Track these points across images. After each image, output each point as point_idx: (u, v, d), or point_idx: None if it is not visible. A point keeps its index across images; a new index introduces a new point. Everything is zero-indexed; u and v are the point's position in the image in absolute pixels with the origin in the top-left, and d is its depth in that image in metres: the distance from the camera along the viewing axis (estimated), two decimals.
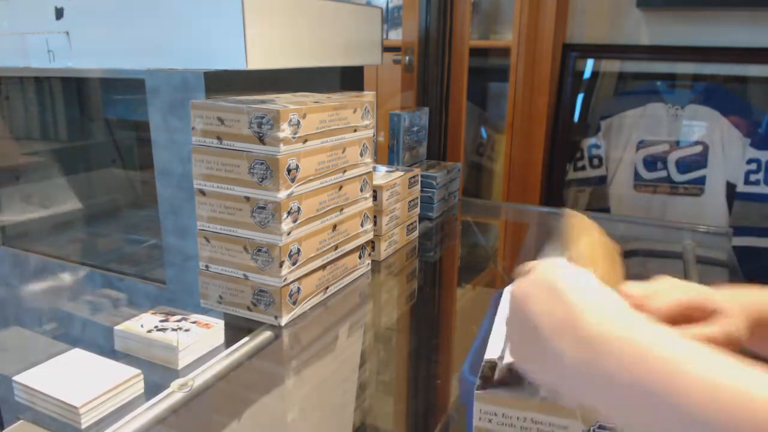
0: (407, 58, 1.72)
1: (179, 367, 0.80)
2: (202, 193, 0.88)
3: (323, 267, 0.96)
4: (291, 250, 0.86)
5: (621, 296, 0.44)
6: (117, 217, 1.25)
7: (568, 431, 0.54)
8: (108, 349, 0.85)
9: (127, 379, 0.74)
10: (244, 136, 0.83)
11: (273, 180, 0.82)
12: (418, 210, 1.32)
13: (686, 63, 1.79)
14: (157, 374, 0.79)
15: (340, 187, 0.97)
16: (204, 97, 0.88)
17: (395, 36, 2.19)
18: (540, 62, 1.80)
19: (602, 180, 1.90)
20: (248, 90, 0.97)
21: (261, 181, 0.83)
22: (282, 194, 0.83)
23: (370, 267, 1.12)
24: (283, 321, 0.88)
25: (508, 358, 0.55)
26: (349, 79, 1.24)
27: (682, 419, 0.34)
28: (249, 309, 0.89)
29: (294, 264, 0.88)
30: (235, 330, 0.88)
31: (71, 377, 0.75)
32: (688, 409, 0.33)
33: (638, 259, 1.34)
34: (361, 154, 1.02)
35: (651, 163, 1.83)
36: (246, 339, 0.86)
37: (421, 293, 1.16)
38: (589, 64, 1.89)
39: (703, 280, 1.15)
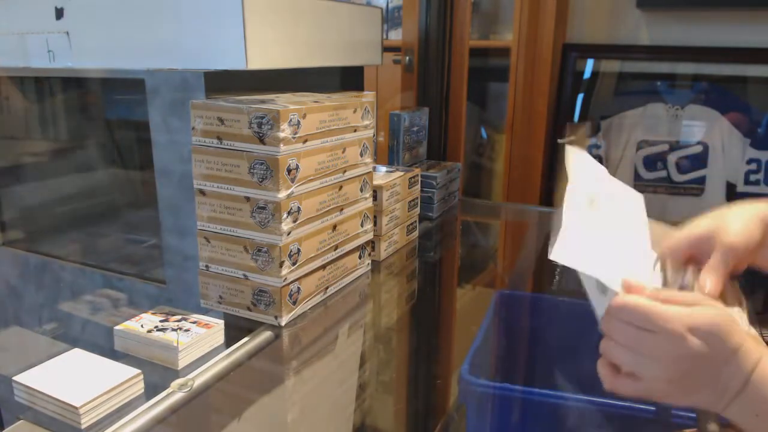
0: (407, 58, 1.72)
1: (179, 367, 0.80)
2: (202, 193, 0.88)
3: (323, 267, 0.96)
4: (291, 250, 0.86)
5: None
6: (117, 217, 1.25)
7: None
8: (108, 349, 0.85)
9: (127, 379, 0.74)
10: (244, 136, 0.83)
11: (273, 180, 0.82)
12: (418, 210, 1.32)
13: (686, 63, 1.79)
14: (157, 374, 0.79)
15: (340, 187, 0.97)
16: (204, 97, 0.88)
17: (395, 36, 2.19)
18: (540, 62, 1.80)
19: None
20: (248, 90, 0.97)
21: (261, 181, 0.83)
22: (282, 194, 0.83)
23: (370, 267, 1.12)
24: (283, 321, 0.88)
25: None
26: (349, 79, 1.24)
27: None
28: (249, 309, 0.90)
29: (294, 264, 0.88)
30: (235, 330, 0.88)
31: (71, 377, 0.75)
32: None
33: None
34: (361, 154, 1.02)
35: (651, 163, 1.83)
36: (246, 339, 0.86)
37: (421, 293, 1.16)
38: (589, 64, 1.89)
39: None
